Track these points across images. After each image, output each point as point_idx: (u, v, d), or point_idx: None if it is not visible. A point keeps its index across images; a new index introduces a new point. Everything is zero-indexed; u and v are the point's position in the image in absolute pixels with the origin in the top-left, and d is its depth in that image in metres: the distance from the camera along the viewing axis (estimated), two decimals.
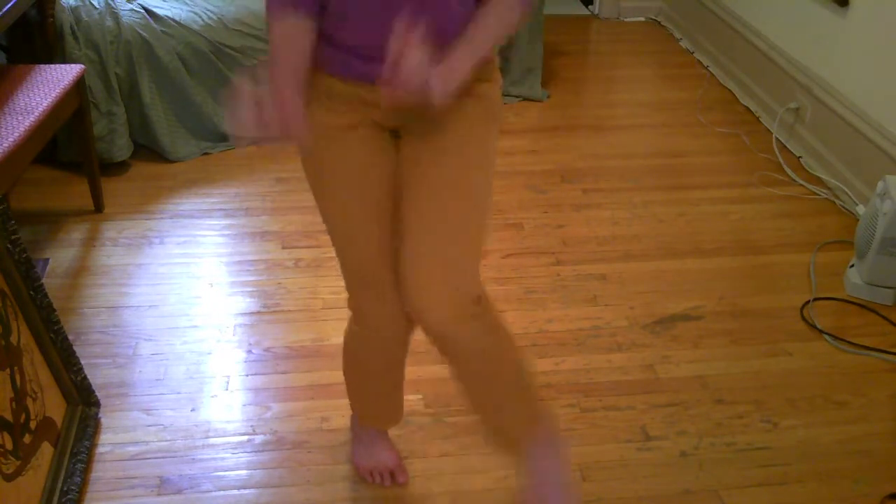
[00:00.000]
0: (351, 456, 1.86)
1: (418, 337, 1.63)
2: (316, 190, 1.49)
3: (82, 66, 2.63)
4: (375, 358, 1.66)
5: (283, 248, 2.61)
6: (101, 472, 1.83)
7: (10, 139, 2.20)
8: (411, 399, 2.02)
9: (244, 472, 1.85)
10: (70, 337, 1.98)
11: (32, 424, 1.72)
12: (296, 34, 1.33)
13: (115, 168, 3.01)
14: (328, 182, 1.46)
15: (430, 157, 1.42)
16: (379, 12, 1.29)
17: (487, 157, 1.46)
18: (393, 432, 1.89)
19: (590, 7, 4.92)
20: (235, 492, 1.80)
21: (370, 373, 1.70)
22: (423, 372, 2.08)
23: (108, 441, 1.91)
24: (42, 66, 2.58)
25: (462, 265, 1.44)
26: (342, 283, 1.56)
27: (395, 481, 1.81)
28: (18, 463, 1.63)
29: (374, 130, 1.43)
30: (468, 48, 1.31)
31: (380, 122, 1.43)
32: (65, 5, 2.88)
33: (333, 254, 1.52)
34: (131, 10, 3.03)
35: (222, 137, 3.20)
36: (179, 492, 1.79)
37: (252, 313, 2.33)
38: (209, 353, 2.18)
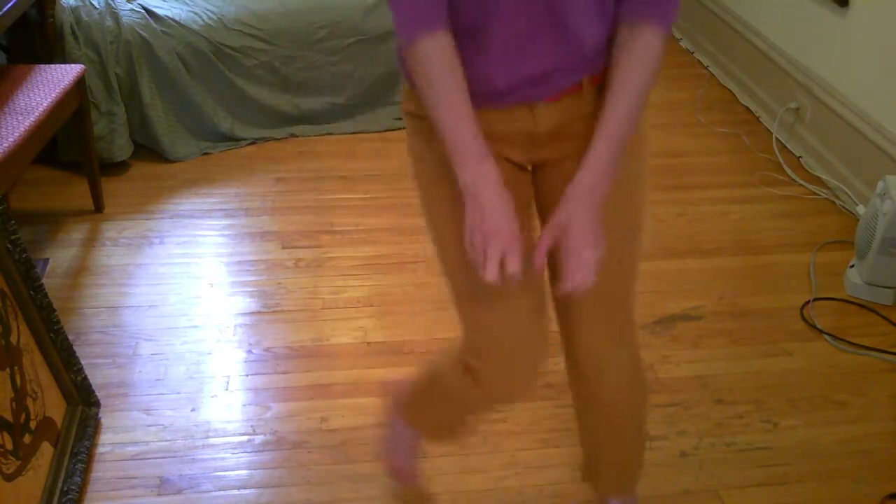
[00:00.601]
0: (380, 450, 1.80)
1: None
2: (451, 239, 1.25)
3: (82, 66, 2.63)
4: (475, 404, 1.50)
5: (283, 248, 2.61)
6: (101, 472, 1.83)
7: (10, 139, 2.20)
8: None
9: (244, 472, 1.85)
10: (70, 337, 1.98)
11: (32, 424, 1.72)
12: (450, 53, 1.10)
13: (115, 168, 3.01)
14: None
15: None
16: (523, 27, 1.12)
17: (644, 193, 1.35)
18: None
19: None
20: (235, 492, 1.80)
21: (458, 410, 1.54)
22: None
23: (108, 441, 1.91)
24: (42, 66, 2.58)
25: (631, 320, 1.40)
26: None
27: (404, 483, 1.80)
28: (18, 463, 1.63)
29: (509, 167, 1.25)
30: (607, 164, 1.18)
31: (513, 158, 1.28)
32: (65, 5, 2.88)
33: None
34: (131, 10, 3.03)
35: (222, 137, 3.20)
36: (179, 492, 1.79)
37: (252, 313, 2.33)
38: (209, 353, 2.18)
